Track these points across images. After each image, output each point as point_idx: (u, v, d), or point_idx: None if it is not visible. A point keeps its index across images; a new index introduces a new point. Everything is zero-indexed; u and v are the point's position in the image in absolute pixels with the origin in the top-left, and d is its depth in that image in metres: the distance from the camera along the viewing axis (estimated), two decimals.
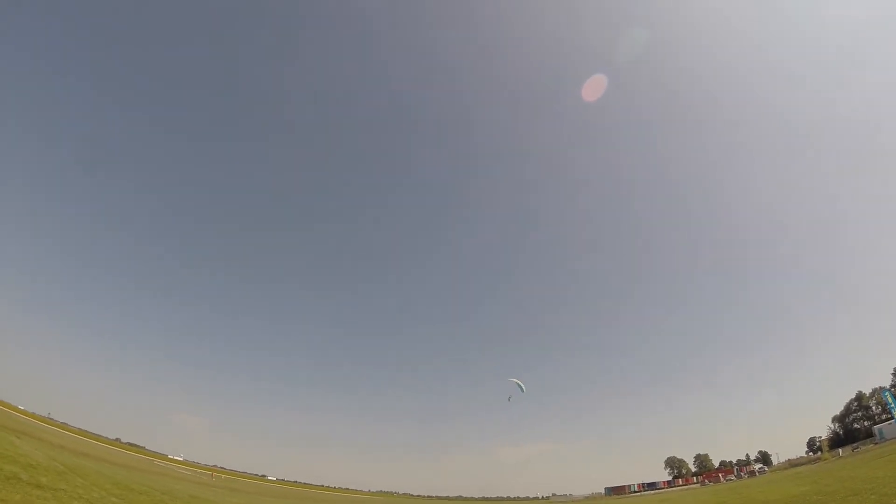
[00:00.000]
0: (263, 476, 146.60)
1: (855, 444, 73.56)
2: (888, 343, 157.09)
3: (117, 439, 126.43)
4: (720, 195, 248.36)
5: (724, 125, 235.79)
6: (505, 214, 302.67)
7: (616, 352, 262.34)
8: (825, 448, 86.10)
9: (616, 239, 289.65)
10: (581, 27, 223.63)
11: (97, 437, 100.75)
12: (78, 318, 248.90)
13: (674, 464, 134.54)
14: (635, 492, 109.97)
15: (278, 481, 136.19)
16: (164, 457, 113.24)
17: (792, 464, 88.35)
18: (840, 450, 73.56)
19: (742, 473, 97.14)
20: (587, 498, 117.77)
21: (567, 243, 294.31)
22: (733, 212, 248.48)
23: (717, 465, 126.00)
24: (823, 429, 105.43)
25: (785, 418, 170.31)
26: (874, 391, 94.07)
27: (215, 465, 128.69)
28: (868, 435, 78.33)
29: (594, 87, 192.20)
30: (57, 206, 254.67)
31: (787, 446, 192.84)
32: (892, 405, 57.13)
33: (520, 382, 51.60)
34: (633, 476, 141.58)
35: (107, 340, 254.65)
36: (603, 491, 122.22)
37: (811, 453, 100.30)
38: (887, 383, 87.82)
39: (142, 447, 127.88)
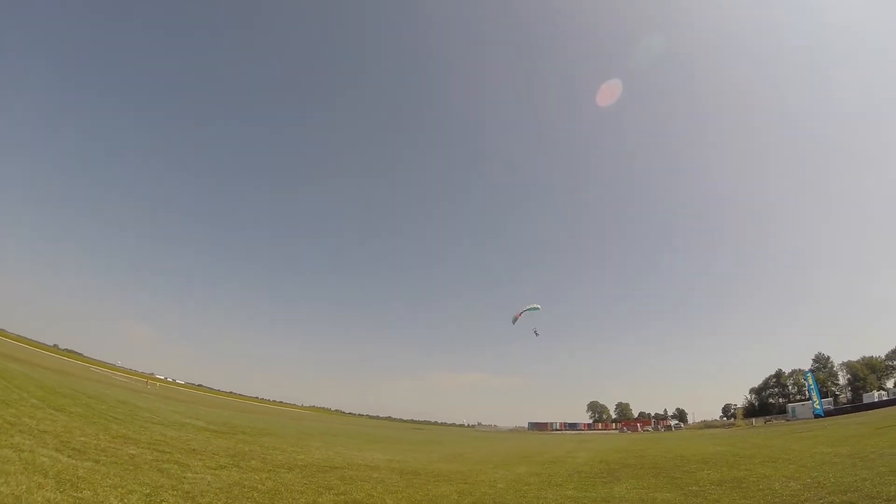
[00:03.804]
0: (200, 386, 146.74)
1: (768, 417, 78.02)
2: (813, 329, 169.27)
3: (55, 345, 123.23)
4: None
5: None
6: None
7: (556, 295, 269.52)
8: (739, 416, 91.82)
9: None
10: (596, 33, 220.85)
11: (34, 343, 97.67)
12: (20, 218, 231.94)
13: (596, 408, 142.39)
14: (557, 430, 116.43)
15: (214, 391, 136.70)
16: (101, 363, 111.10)
17: (706, 425, 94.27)
18: (753, 419, 78.28)
19: (659, 426, 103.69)
20: (511, 430, 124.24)
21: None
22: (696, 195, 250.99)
23: (636, 415, 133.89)
24: (740, 398, 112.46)
25: (704, 381, 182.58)
26: (793, 371, 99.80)
27: (152, 373, 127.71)
28: (781, 411, 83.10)
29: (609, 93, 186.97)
30: None
31: (703, 408, 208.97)
32: (813, 387, 59.79)
33: (532, 306, 44.83)
34: (555, 415, 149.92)
35: (47, 243, 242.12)
36: (526, 426, 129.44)
37: (725, 418, 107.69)
38: (806, 367, 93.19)
39: (79, 354, 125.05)
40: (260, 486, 8.61)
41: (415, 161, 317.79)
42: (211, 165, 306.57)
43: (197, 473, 8.74)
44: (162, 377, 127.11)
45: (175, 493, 6.85)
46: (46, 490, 5.55)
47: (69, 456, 7.94)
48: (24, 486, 5.48)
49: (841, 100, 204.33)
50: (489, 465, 17.20)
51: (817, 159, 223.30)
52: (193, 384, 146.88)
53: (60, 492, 5.63)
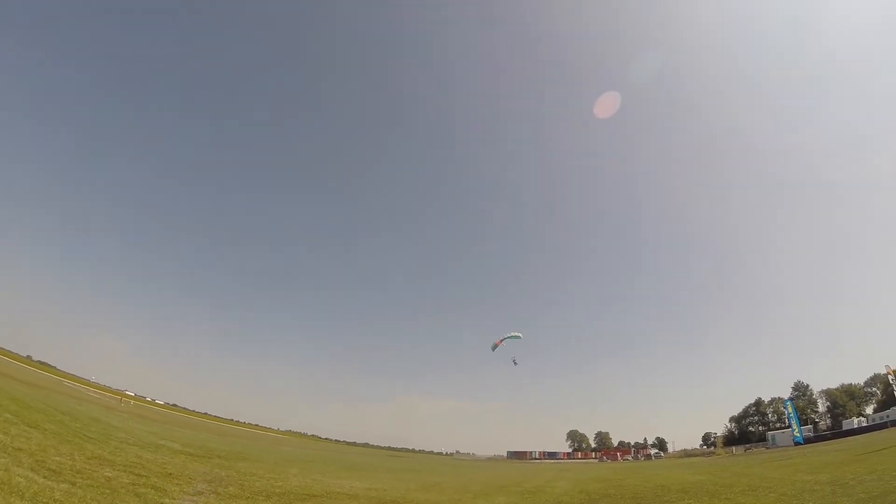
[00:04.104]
0: (174, 405, 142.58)
1: (748, 445, 78.56)
2: (792, 358, 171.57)
3: (27, 357, 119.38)
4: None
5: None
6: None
7: (535, 322, 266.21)
8: (720, 444, 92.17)
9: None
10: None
11: (5, 353, 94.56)
12: None
13: (575, 437, 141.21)
14: (536, 458, 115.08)
15: (188, 412, 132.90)
16: (74, 377, 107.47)
17: (687, 453, 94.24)
18: (734, 448, 78.64)
19: (639, 455, 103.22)
20: (489, 459, 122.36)
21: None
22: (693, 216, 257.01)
23: (616, 444, 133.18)
24: (719, 426, 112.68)
25: (684, 410, 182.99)
26: (772, 400, 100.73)
27: (125, 390, 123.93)
28: (761, 439, 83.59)
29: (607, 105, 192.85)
30: None
31: (683, 437, 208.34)
32: (792, 415, 60.44)
33: (514, 334, 43.50)
34: (535, 444, 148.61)
35: (23, 253, 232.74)
36: (505, 454, 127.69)
37: (705, 447, 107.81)
38: (786, 395, 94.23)
39: (52, 367, 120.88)
40: None
41: (390, 180, 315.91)
42: (191, 174, 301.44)
43: (174, 499, 8.58)
44: (132, 394, 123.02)
45: None
46: None
47: (45, 477, 7.76)
48: None
49: (834, 120, 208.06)
50: (468, 495, 17.05)
51: (802, 184, 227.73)
52: (168, 403, 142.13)
53: None
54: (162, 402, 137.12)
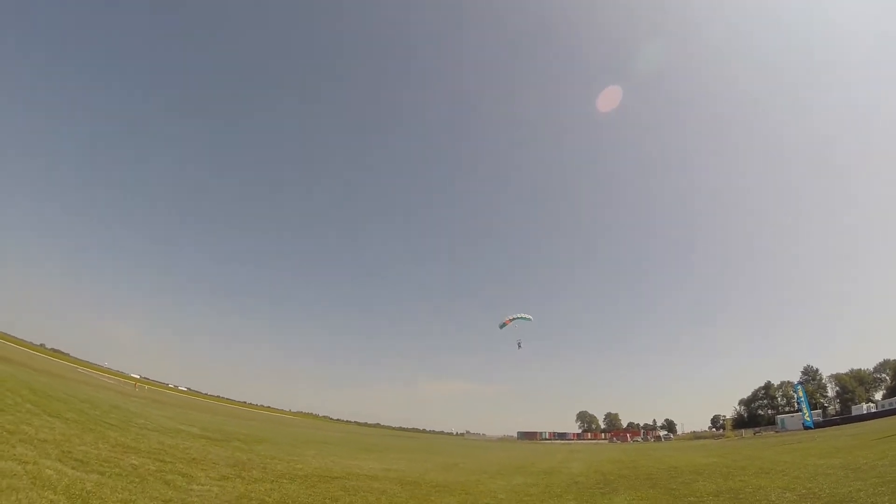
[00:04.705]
0: (189, 389, 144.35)
1: (757, 429, 78.37)
2: (802, 341, 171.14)
3: (41, 345, 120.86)
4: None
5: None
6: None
7: (545, 304, 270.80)
8: (729, 427, 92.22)
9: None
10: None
11: (20, 342, 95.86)
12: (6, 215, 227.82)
13: (585, 418, 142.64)
14: (546, 439, 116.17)
15: (202, 395, 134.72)
16: (88, 364, 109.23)
17: (696, 436, 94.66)
18: (743, 431, 78.74)
19: (649, 437, 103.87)
20: (500, 439, 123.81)
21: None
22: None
23: (625, 425, 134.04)
24: (728, 409, 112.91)
25: (693, 392, 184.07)
26: (782, 384, 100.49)
27: (140, 376, 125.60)
28: (770, 422, 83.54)
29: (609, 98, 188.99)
30: None
31: (692, 419, 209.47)
32: (803, 399, 60.28)
33: (524, 315, 43.33)
34: (544, 424, 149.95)
35: (33, 239, 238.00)
36: (515, 434, 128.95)
37: (714, 429, 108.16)
38: (795, 379, 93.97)
39: (66, 354, 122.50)
40: (266, 498, 8.53)
41: (404, 166, 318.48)
42: (203, 165, 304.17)
43: (203, 485, 8.62)
44: (137, 377, 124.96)
45: None
46: None
47: (73, 468, 7.76)
48: None
49: (844, 104, 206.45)
50: (485, 476, 17.12)
51: (814, 166, 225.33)
52: (181, 388, 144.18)
53: None
54: (185, 389, 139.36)
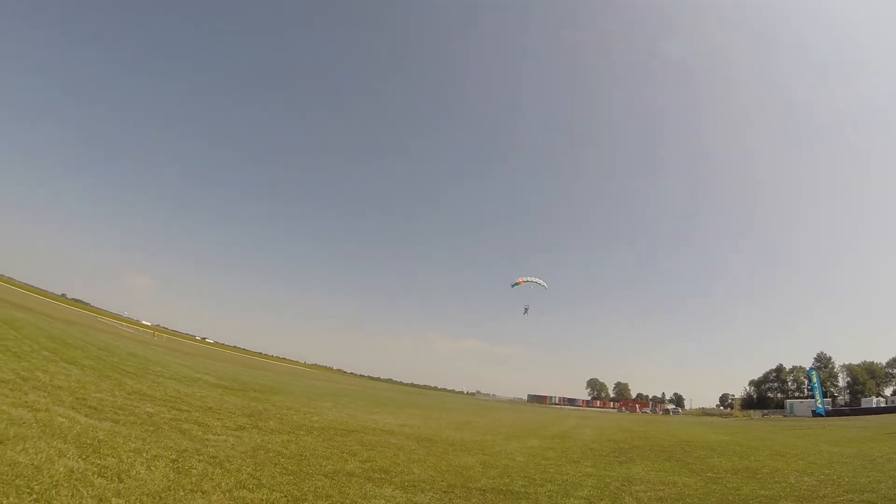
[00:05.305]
0: (204, 339, 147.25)
1: (765, 411, 78.42)
2: (815, 327, 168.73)
3: (63, 295, 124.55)
4: None
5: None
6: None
7: (561, 271, 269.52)
8: (737, 406, 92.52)
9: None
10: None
11: (42, 292, 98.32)
12: (23, 171, 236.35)
13: (595, 385, 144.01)
14: (556, 404, 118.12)
15: (218, 345, 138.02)
16: (108, 314, 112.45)
17: (704, 412, 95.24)
18: (752, 412, 78.79)
19: (657, 409, 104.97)
20: (510, 401, 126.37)
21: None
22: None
23: (634, 396, 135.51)
24: (737, 388, 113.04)
25: (703, 368, 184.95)
26: (793, 368, 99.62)
27: (158, 325, 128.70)
28: (779, 406, 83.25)
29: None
30: None
31: (700, 394, 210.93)
32: (816, 386, 59.48)
33: (539, 281, 42.39)
34: (554, 389, 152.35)
35: (56, 196, 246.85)
36: (525, 397, 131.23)
37: (722, 407, 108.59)
38: (807, 365, 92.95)
39: (87, 304, 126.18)
40: (284, 450, 8.34)
41: (433, 142, 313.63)
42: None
43: (219, 435, 8.44)
44: (167, 328, 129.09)
45: (201, 458, 6.49)
46: (68, 458, 5.11)
47: (87, 415, 7.57)
48: (43, 454, 5.03)
49: (858, 99, 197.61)
50: (500, 437, 17.20)
51: (831, 157, 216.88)
52: (197, 337, 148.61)
53: (83, 459, 5.20)
54: (212, 341, 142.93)
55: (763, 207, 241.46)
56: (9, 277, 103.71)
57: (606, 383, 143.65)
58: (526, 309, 44.71)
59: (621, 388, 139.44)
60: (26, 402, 7.52)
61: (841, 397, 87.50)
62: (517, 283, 42.36)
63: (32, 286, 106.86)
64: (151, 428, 7.76)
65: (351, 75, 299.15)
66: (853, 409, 63.78)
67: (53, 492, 4.15)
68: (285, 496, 5.51)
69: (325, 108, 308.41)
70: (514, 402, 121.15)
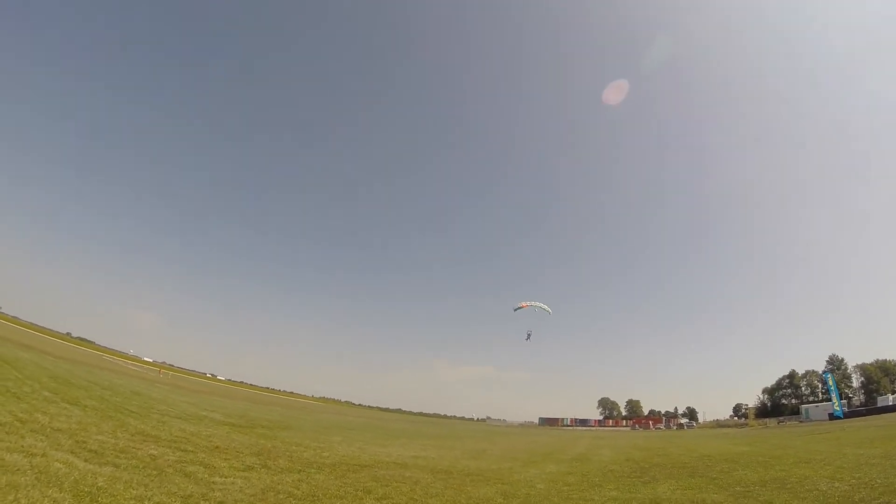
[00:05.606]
0: (213, 375, 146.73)
1: (781, 418, 76.95)
2: (824, 331, 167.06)
3: (67, 333, 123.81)
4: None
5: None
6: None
7: (566, 291, 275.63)
8: (751, 416, 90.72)
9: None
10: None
11: (46, 331, 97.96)
12: (27, 208, 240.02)
13: (606, 405, 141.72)
14: (568, 425, 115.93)
15: (226, 381, 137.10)
16: (113, 352, 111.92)
17: (719, 424, 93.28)
18: (767, 420, 77.19)
19: (671, 424, 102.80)
20: (521, 425, 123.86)
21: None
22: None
23: (646, 412, 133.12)
24: (750, 398, 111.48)
25: (714, 380, 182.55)
26: (807, 373, 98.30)
27: (164, 362, 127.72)
28: (794, 412, 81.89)
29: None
30: None
31: (713, 407, 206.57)
32: (832, 389, 58.53)
33: (543, 306, 41.63)
34: (564, 410, 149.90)
35: (60, 233, 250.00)
36: (536, 420, 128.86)
37: (737, 418, 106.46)
38: (819, 368, 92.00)
39: (92, 342, 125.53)
40: (295, 490, 7.87)
41: (427, 161, 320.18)
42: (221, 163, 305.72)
43: (226, 477, 7.99)
44: (173, 366, 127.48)
45: (207, 502, 6.11)
46: None
47: (86, 460, 7.17)
48: None
49: (864, 96, 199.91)
50: (517, 464, 16.64)
51: (836, 159, 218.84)
52: (204, 373, 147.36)
53: None
54: (222, 378, 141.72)
55: (762, 210, 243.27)
56: (13, 316, 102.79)
57: (618, 402, 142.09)
58: (529, 335, 44.19)
59: (633, 406, 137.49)
60: (22, 446, 7.16)
61: (856, 398, 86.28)
62: (520, 307, 41.90)
63: (37, 325, 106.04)
64: (155, 472, 7.33)
65: (357, 103, 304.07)
66: (869, 408, 63.04)
67: None
68: None
69: (338, 139, 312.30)
70: (525, 425, 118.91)
